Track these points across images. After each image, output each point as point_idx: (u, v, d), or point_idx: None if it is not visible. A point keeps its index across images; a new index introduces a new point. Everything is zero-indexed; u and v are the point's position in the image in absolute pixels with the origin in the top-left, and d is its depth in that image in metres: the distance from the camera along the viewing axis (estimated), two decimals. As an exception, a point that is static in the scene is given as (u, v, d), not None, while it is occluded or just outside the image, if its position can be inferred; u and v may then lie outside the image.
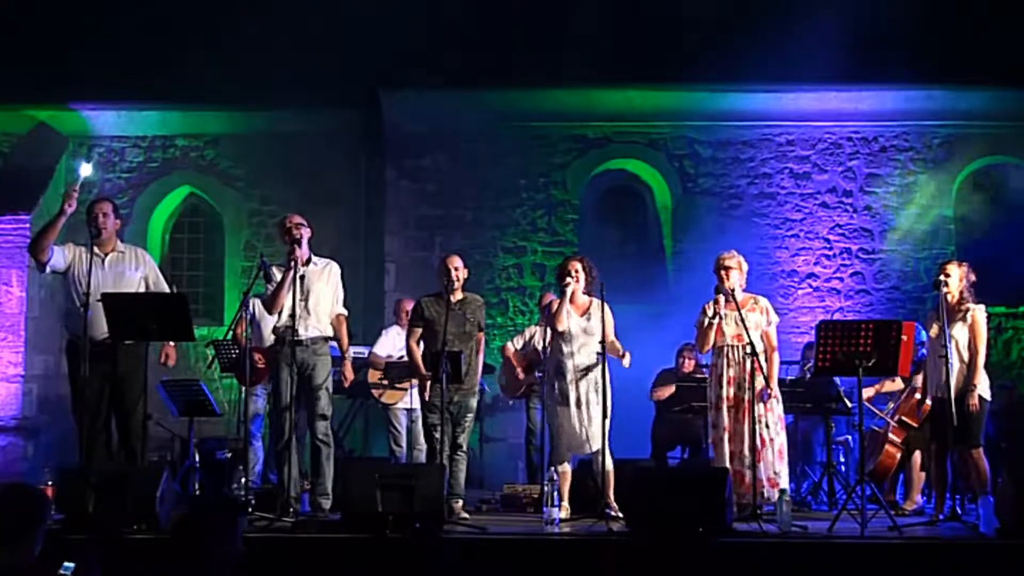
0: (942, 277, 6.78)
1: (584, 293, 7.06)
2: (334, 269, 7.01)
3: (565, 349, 6.97)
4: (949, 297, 6.78)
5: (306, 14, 11.80)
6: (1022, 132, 11.83)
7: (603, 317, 6.88)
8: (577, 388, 6.90)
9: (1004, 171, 12.18)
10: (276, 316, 6.85)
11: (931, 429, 7.08)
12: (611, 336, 7.04)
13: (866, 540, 5.81)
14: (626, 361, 7.07)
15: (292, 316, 6.59)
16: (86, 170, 7.13)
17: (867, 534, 5.92)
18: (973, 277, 6.89)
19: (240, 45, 11.42)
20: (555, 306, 7.05)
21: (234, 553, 3.42)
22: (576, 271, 7.01)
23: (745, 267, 7.16)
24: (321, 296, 6.86)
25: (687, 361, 9.13)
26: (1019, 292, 11.67)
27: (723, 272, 7.05)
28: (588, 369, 6.94)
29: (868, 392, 8.19)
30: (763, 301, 7.18)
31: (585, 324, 6.97)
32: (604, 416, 6.77)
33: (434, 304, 7.10)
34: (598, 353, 6.87)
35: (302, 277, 6.74)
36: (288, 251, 6.77)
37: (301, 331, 6.64)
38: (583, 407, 6.88)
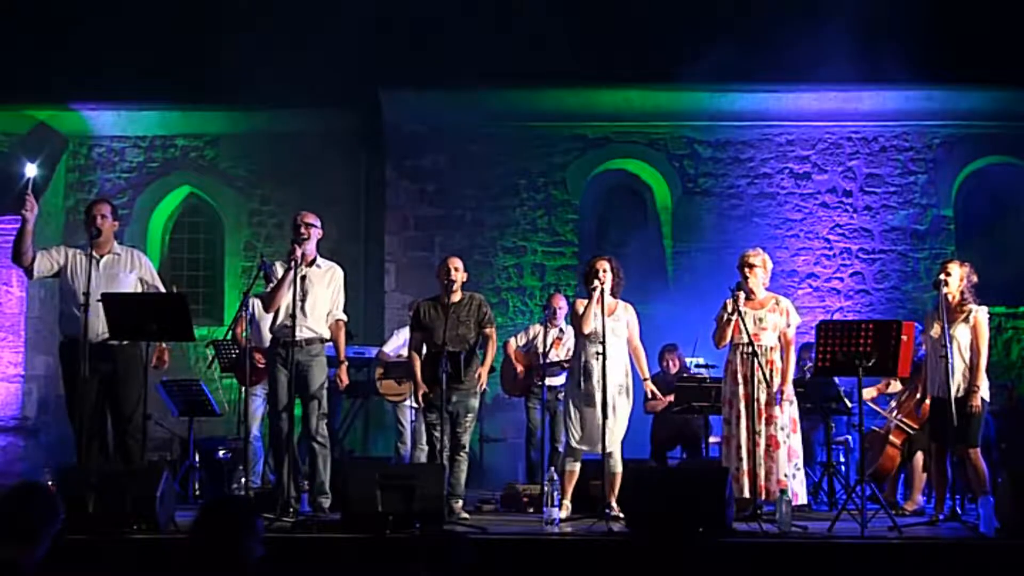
0: (943, 276, 6.77)
1: (611, 295, 7.01)
2: (337, 274, 6.96)
3: (592, 350, 6.92)
4: (950, 297, 6.78)
5: (306, 14, 11.80)
6: (1022, 132, 11.83)
7: (604, 318, 6.89)
8: (604, 390, 6.80)
9: (1004, 171, 12.18)
10: (273, 315, 6.84)
11: (930, 429, 7.08)
12: (636, 341, 7.09)
13: (866, 540, 5.81)
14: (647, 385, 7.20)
15: (292, 316, 6.58)
16: (31, 170, 7.04)
17: (867, 534, 5.91)
18: (975, 278, 6.87)
19: (240, 45, 11.41)
20: (581, 308, 7.02)
21: (253, 557, 3.41)
22: (604, 271, 6.94)
23: (770, 265, 7.14)
24: (319, 299, 6.82)
25: (671, 363, 9.11)
26: (1019, 292, 11.67)
27: (746, 269, 7.02)
28: (617, 371, 6.92)
29: (871, 392, 8.19)
30: (784, 302, 7.13)
31: (614, 325, 6.90)
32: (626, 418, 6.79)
33: (431, 307, 7.09)
34: (597, 353, 6.83)
35: (303, 278, 6.71)
36: (289, 250, 6.75)
37: (296, 332, 6.61)
38: (609, 408, 6.78)
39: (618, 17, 11.68)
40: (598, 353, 6.75)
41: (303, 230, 6.77)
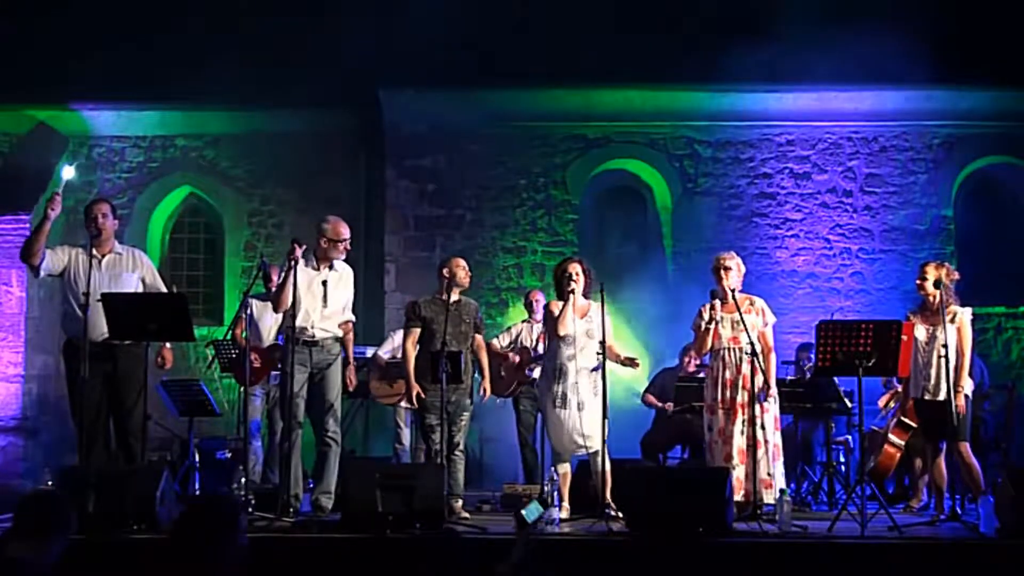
0: (918, 281, 6.85)
1: (583, 295, 7.06)
2: (349, 274, 7.05)
3: (567, 352, 6.95)
4: (930, 299, 6.84)
5: (306, 15, 11.80)
6: (1022, 132, 11.82)
7: (603, 319, 6.89)
8: (578, 391, 6.87)
9: (1004, 171, 12.17)
10: (281, 315, 6.86)
11: (923, 430, 7.11)
12: (611, 340, 7.04)
13: (866, 540, 5.81)
14: (637, 364, 7.15)
15: (292, 317, 6.58)
16: (68, 173, 7.12)
17: (867, 534, 5.92)
18: (956, 276, 6.94)
19: (240, 45, 11.41)
20: (557, 309, 7.04)
21: (238, 551, 3.45)
22: (577, 274, 7.00)
23: (743, 268, 7.17)
24: (338, 300, 6.91)
25: (692, 360, 9.12)
26: (1019, 292, 11.67)
27: (722, 272, 7.04)
28: (589, 371, 6.94)
29: (887, 399, 8.26)
30: (759, 302, 7.17)
31: (587, 327, 6.96)
32: (604, 417, 6.77)
33: (431, 304, 7.10)
34: (598, 354, 6.87)
35: (324, 282, 6.80)
36: (288, 250, 6.75)
37: (317, 332, 6.68)
38: (584, 409, 6.85)
39: (618, 17, 11.68)
40: (571, 356, 6.83)
41: (342, 248, 6.81)
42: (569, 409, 6.90)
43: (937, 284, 6.79)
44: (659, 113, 11.96)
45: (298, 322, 6.75)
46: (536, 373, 8.41)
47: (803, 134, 12.00)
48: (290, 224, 11.96)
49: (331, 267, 6.90)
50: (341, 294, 6.93)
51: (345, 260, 7.11)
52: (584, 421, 6.83)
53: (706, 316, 6.96)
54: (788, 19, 10.45)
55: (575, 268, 7.03)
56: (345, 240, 6.87)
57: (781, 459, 7.00)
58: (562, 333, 6.95)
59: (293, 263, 6.66)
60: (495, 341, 8.87)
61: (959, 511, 6.71)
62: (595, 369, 6.93)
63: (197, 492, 8.45)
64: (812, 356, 7.85)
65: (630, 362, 7.08)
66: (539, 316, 8.66)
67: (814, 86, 11.61)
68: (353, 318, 7.09)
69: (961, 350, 6.78)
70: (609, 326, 7.01)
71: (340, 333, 6.94)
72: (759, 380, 6.80)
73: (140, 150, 12.53)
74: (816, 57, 10.39)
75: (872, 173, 11.95)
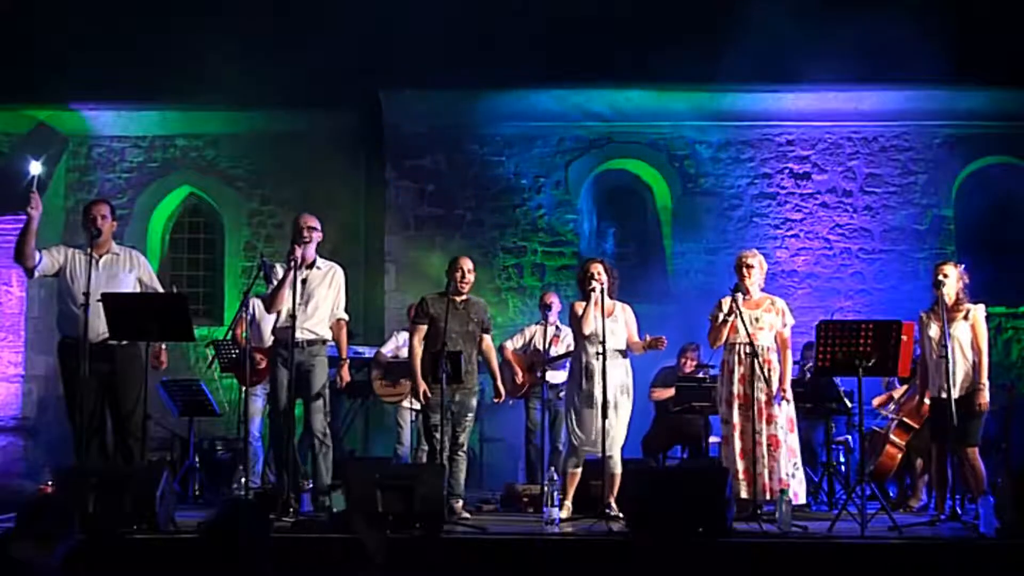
0: (940, 277, 6.82)
1: (608, 296, 7.04)
2: (338, 273, 7.00)
3: (592, 351, 6.95)
4: (947, 298, 6.83)
5: (306, 14, 11.80)
6: (1022, 132, 11.82)
7: (602, 319, 6.89)
8: (605, 390, 6.85)
9: (1004, 171, 12.17)
10: (275, 316, 6.86)
11: (931, 429, 7.10)
12: (635, 337, 7.08)
13: (866, 540, 5.81)
14: (662, 343, 7.04)
15: (293, 318, 6.58)
16: (35, 168, 6.94)
17: (867, 534, 5.92)
18: (967, 279, 6.96)
19: (240, 45, 11.41)
20: (580, 309, 7.05)
21: (267, 550, 3.47)
22: (599, 273, 7.01)
23: (765, 266, 7.23)
24: (321, 300, 6.86)
25: (688, 361, 9.12)
26: (1019, 292, 11.67)
27: (744, 270, 7.08)
28: (617, 371, 6.94)
29: (882, 399, 8.26)
30: (780, 302, 7.20)
31: (612, 326, 6.95)
32: (605, 418, 6.76)
33: (438, 302, 7.09)
34: (598, 354, 6.84)
35: (304, 280, 6.74)
36: (288, 250, 6.76)
37: (298, 333, 6.63)
38: (610, 408, 6.82)
39: (618, 17, 11.68)
40: (598, 353, 6.77)
41: (305, 233, 6.79)
42: (595, 409, 6.88)
43: (952, 283, 6.81)
44: (659, 113, 11.97)
45: (280, 323, 6.77)
46: (553, 376, 8.37)
47: (803, 134, 12.00)
48: (290, 224, 11.93)
49: (313, 266, 6.86)
50: (326, 293, 6.88)
51: (340, 262, 7.10)
52: (609, 421, 6.78)
53: (725, 308, 6.96)
54: (788, 19, 10.45)
55: (597, 268, 7.05)
56: (308, 228, 6.79)
57: (796, 460, 6.99)
58: (587, 332, 6.97)
59: (293, 264, 6.66)
60: (508, 343, 8.86)
61: (959, 511, 6.70)
62: (620, 368, 6.95)
63: (197, 492, 8.46)
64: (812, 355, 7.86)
65: (655, 343, 7.06)
66: (553, 318, 8.64)
67: (814, 86, 11.62)
68: (346, 316, 7.04)
69: (978, 347, 6.77)
70: (633, 324, 7.09)
71: (327, 335, 6.90)
72: (759, 381, 6.80)
73: (140, 150, 12.53)
74: (816, 57, 10.39)
75: (872, 173, 11.95)
